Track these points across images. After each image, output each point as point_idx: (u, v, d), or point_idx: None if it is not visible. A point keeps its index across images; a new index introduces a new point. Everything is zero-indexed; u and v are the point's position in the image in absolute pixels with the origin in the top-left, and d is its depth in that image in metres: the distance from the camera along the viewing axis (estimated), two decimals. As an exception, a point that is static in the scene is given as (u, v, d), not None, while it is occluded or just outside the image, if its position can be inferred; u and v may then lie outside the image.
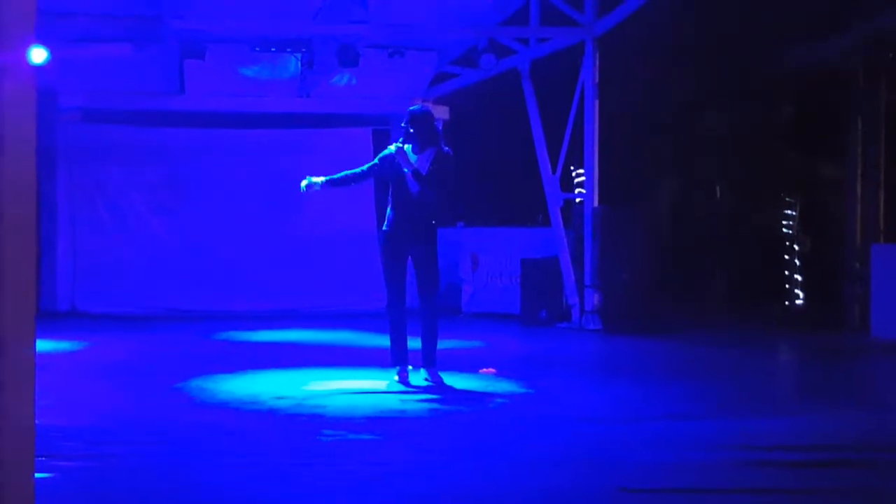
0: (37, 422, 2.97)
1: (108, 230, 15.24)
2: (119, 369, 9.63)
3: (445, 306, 13.06)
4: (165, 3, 12.79)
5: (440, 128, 10.27)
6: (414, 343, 8.49)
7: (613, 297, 13.11)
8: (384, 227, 8.54)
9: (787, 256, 15.08)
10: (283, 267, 15.32)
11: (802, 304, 14.95)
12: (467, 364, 9.61)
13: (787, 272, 15.03)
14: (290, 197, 14.93)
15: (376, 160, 8.74)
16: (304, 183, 8.51)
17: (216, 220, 15.38)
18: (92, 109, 15.17)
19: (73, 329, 12.76)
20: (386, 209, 8.59)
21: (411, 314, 8.55)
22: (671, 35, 13.63)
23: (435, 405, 7.64)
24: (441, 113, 15.18)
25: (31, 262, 2.94)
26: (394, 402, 7.66)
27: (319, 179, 8.51)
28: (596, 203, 13.43)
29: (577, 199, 14.13)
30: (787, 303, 14.98)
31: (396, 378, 8.43)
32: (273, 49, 14.65)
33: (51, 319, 13.60)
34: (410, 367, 8.52)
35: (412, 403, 7.65)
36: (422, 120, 8.46)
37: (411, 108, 8.71)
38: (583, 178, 14.04)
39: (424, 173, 8.33)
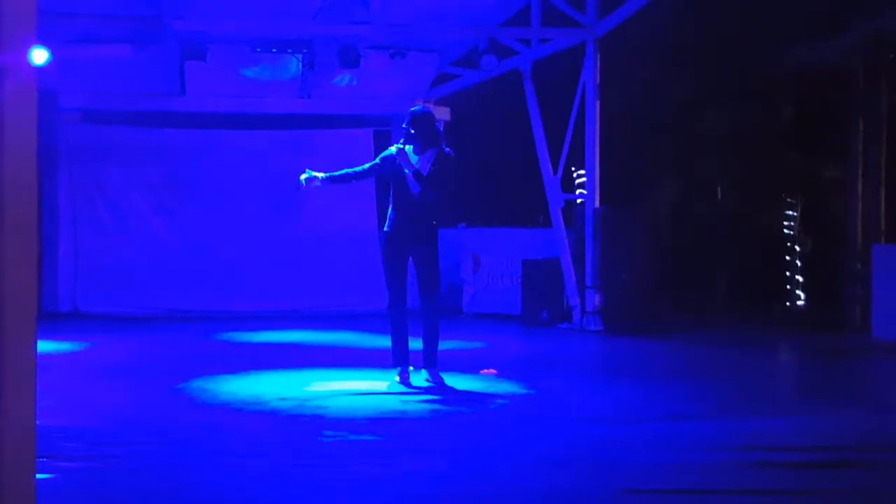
0: (38, 422, 2.97)
1: (109, 231, 15.24)
2: (120, 370, 9.63)
3: (446, 307, 13.05)
4: (166, 4, 12.79)
5: (441, 129, 10.27)
6: (415, 344, 8.49)
7: (614, 298, 13.11)
8: (385, 228, 8.55)
9: (788, 257, 15.09)
10: (284, 268, 15.32)
11: (803, 305, 14.95)
12: (468, 365, 9.61)
13: (788, 273, 15.03)
14: (292, 198, 14.96)
15: (377, 160, 8.75)
16: (303, 176, 8.51)
17: (217, 220, 15.38)
18: (93, 110, 15.17)
19: (74, 330, 12.76)
20: (387, 210, 8.60)
21: (412, 315, 8.55)
22: (672, 36, 13.64)
23: (436, 406, 7.64)
24: (442, 114, 15.17)
25: (32, 262, 2.94)
26: (395, 403, 7.66)
27: (320, 175, 8.51)
28: (597, 204, 13.42)
29: (579, 200, 14.12)
30: (788, 303, 14.98)
31: (397, 379, 8.43)
32: (274, 50, 14.66)
33: (52, 320, 13.62)
34: (411, 368, 8.52)
35: (413, 404, 7.65)
36: (423, 121, 8.47)
37: (412, 108, 8.71)
38: (584, 179, 14.03)
39: (425, 174, 8.33)
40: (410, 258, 8.49)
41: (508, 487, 5.17)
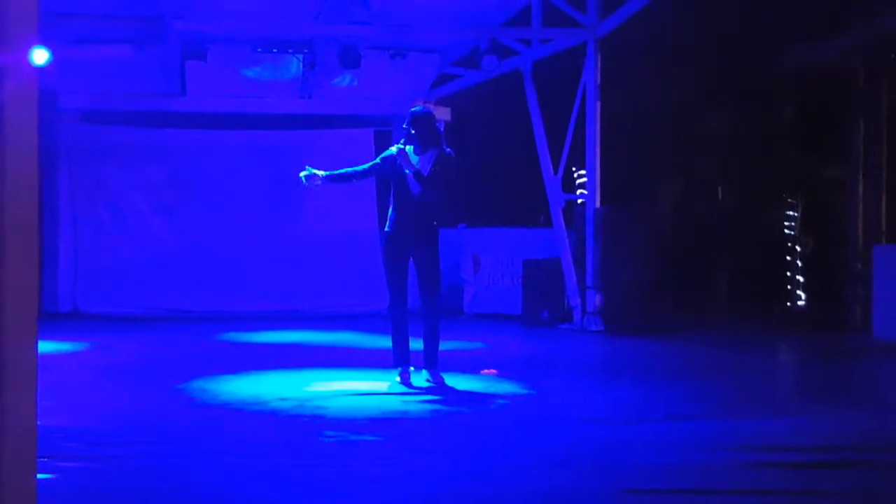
0: (39, 422, 2.97)
1: (109, 231, 15.25)
2: (121, 370, 9.64)
3: (447, 307, 13.06)
4: (167, 4, 12.80)
5: (442, 129, 10.27)
6: (416, 344, 8.49)
7: (615, 298, 13.11)
8: (386, 228, 8.55)
9: (788, 257, 15.09)
10: (284, 268, 15.33)
11: (804, 305, 14.96)
12: (469, 365, 9.61)
13: (788, 273, 15.04)
14: (292, 198, 14.99)
15: (378, 159, 8.75)
16: (303, 173, 8.51)
17: (218, 221, 15.39)
18: (93, 110, 15.18)
19: (74, 330, 12.76)
20: (388, 210, 8.60)
21: (413, 315, 8.55)
22: (673, 36, 13.65)
23: (436, 406, 7.64)
24: (443, 114, 15.18)
25: (32, 262, 2.94)
26: (395, 403, 7.66)
27: (320, 173, 8.51)
28: (597, 204, 13.42)
29: (579, 200, 14.13)
30: (788, 303, 14.99)
31: (398, 379, 8.44)
32: (275, 50, 14.66)
33: (53, 320, 13.62)
34: (412, 369, 8.52)
35: (414, 404, 7.65)
36: (423, 121, 8.47)
37: (413, 109, 8.71)
38: (584, 179, 14.04)
39: (426, 174, 8.33)
40: (411, 258, 8.49)
41: (509, 487, 5.17)
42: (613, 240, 13.19)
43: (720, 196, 15.74)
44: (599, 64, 13.31)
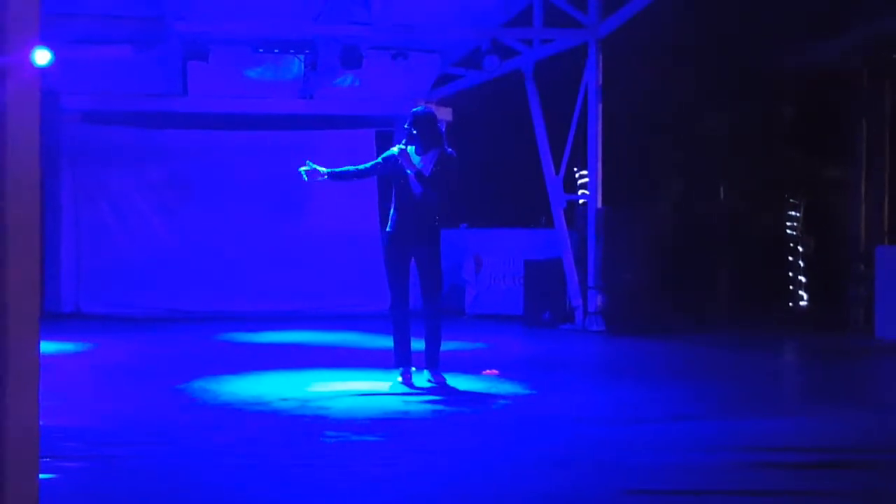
0: (40, 422, 2.98)
1: (111, 231, 15.26)
2: (122, 370, 9.65)
3: (449, 308, 13.07)
4: (169, 5, 12.81)
5: (443, 129, 10.26)
6: (417, 344, 8.49)
7: (617, 299, 13.11)
8: (387, 229, 8.55)
9: (790, 257, 15.08)
10: (286, 268, 15.34)
11: (806, 306, 14.94)
12: (470, 365, 9.61)
13: (790, 273, 15.03)
14: (294, 198, 15.00)
15: (380, 159, 8.75)
16: (303, 168, 8.50)
17: (220, 221, 15.40)
18: (95, 111, 15.19)
19: (76, 330, 12.78)
20: (389, 210, 8.60)
21: (414, 316, 8.55)
22: (674, 36, 13.64)
23: (438, 406, 7.64)
24: (444, 114, 15.19)
25: (34, 263, 2.95)
26: (397, 404, 7.67)
27: (322, 169, 8.51)
28: (599, 204, 13.43)
29: (581, 201, 14.13)
30: (790, 304, 14.98)
31: (400, 379, 8.43)
32: (276, 51, 14.67)
33: (55, 321, 13.64)
34: (414, 369, 8.52)
35: (415, 405, 7.66)
36: (425, 121, 8.47)
37: (414, 109, 8.71)
38: (586, 180, 14.03)
39: (427, 175, 8.33)
40: (413, 258, 8.50)
41: (510, 487, 5.18)
42: (615, 240, 13.19)
43: (721, 196, 15.73)
44: (601, 64, 13.32)
